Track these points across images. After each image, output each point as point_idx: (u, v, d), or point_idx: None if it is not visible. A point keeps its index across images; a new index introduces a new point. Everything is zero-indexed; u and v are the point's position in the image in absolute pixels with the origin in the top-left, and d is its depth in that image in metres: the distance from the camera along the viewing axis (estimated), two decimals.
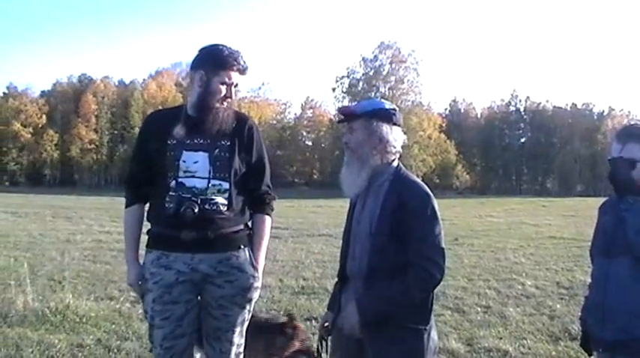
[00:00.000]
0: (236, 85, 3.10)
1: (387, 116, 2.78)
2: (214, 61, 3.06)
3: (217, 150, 3.07)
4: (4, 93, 79.21)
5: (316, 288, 8.13)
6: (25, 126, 75.38)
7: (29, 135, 75.59)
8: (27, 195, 41.46)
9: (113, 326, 6.02)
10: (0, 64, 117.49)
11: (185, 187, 3.02)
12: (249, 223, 3.25)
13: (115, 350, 5.25)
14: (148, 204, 3.23)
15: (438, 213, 2.69)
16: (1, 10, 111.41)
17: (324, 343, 2.98)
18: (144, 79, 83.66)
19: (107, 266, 9.81)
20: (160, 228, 3.10)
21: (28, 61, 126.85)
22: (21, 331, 5.63)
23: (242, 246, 3.14)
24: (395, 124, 2.79)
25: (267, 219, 3.30)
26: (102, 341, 5.50)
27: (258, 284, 3.19)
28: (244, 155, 3.16)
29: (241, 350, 3.25)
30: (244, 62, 3.12)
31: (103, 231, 15.70)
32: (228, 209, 3.08)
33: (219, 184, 3.06)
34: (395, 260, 2.63)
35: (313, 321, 6.38)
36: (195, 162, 3.04)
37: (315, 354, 2.99)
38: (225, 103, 3.07)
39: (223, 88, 3.05)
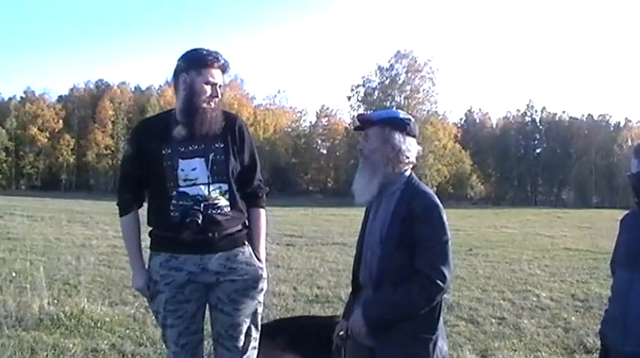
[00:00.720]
0: (220, 86, 3.14)
1: (402, 125, 2.80)
2: (195, 62, 3.10)
3: (213, 154, 3.12)
4: (21, 97, 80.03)
5: (330, 297, 8.11)
6: (41, 131, 76.04)
7: (46, 140, 76.23)
8: (43, 199, 41.74)
9: (127, 331, 6.03)
10: (18, 69, 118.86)
11: (189, 196, 3.08)
12: (246, 221, 3.31)
13: (130, 356, 5.26)
14: (146, 210, 3.28)
15: (446, 223, 2.69)
16: (20, 15, 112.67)
17: (340, 351, 2.98)
18: (160, 86, 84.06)
19: (122, 271, 9.82)
20: (163, 231, 3.17)
21: (45, 66, 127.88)
22: (36, 335, 5.65)
23: (245, 243, 3.25)
24: (409, 134, 2.80)
25: (263, 211, 3.39)
26: (116, 346, 5.51)
27: (265, 274, 3.30)
28: (238, 154, 3.21)
29: (256, 344, 3.32)
30: (225, 60, 3.16)
31: (118, 237, 15.65)
32: (231, 209, 3.16)
33: (220, 186, 3.13)
34: (402, 267, 2.64)
35: None
36: (194, 170, 3.09)
37: None
38: (212, 103, 3.11)
39: (208, 88, 3.09)
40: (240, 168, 3.23)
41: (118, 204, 3.31)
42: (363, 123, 2.89)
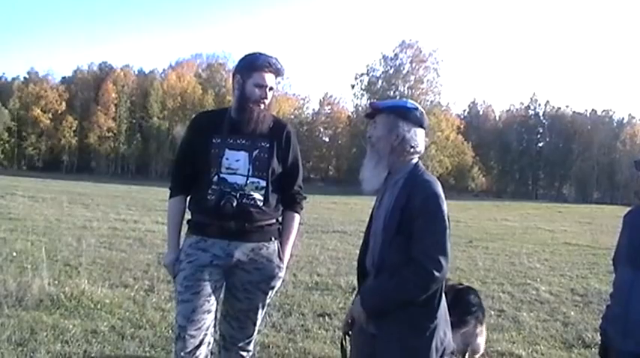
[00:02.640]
0: (271, 88, 3.35)
1: (408, 114, 2.80)
2: (248, 65, 3.33)
3: (257, 151, 3.33)
4: (25, 78, 79.84)
5: (330, 285, 8.11)
6: (44, 112, 76.00)
7: (48, 121, 76.21)
8: (44, 180, 41.76)
9: (127, 313, 6.05)
10: (22, 49, 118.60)
11: (227, 183, 3.28)
12: (280, 218, 3.52)
13: (129, 338, 5.27)
14: (189, 196, 3.48)
15: (445, 213, 2.67)
16: None
17: (347, 338, 3.00)
18: (164, 69, 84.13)
19: (123, 253, 9.85)
20: (200, 217, 3.35)
21: (49, 47, 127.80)
22: (36, 315, 5.67)
23: (272, 238, 3.43)
24: (416, 124, 2.79)
25: (297, 216, 3.62)
26: (116, 328, 5.53)
27: (282, 274, 3.49)
28: (282, 157, 3.42)
29: (257, 328, 3.54)
30: (279, 65, 3.37)
31: (118, 219, 15.79)
32: (264, 204, 3.34)
33: (257, 182, 3.32)
34: (401, 255, 2.63)
35: (326, 317, 6.39)
36: (237, 161, 3.31)
37: (340, 349, 3.01)
38: (261, 105, 3.32)
39: (257, 90, 3.29)
40: (282, 170, 3.43)
41: (170, 188, 3.52)
42: (373, 110, 2.89)
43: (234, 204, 3.23)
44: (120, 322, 5.72)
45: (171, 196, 3.51)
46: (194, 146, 3.40)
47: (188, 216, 3.48)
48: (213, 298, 3.31)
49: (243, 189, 3.27)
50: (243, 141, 3.32)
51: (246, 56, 3.38)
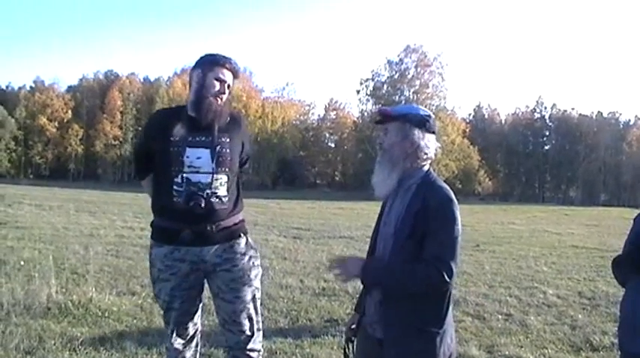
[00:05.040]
0: (229, 86, 3.44)
1: (422, 122, 2.79)
2: (209, 60, 3.42)
3: (219, 147, 3.37)
4: (31, 87, 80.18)
5: (337, 290, 8.10)
6: (50, 121, 76.29)
7: (55, 130, 76.49)
8: (51, 188, 41.83)
9: (135, 321, 6.07)
10: (27, 59, 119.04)
11: (191, 182, 3.31)
12: (242, 214, 3.59)
13: (137, 345, 5.26)
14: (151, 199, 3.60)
15: (458, 219, 2.68)
16: (30, 4, 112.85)
17: (350, 345, 2.99)
18: (169, 77, 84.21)
19: (130, 261, 9.87)
20: (165, 222, 3.43)
21: (55, 56, 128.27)
22: (44, 323, 5.69)
23: (241, 235, 3.52)
24: (428, 131, 2.80)
25: None
26: (123, 335, 5.53)
27: (258, 262, 3.60)
28: (240, 149, 3.54)
29: (260, 325, 3.60)
30: (237, 66, 3.47)
31: (125, 227, 15.80)
32: (228, 200, 3.42)
33: (221, 178, 3.38)
34: (411, 260, 2.63)
35: (334, 323, 6.39)
36: (199, 158, 3.33)
37: (343, 355, 3.00)
38: (219, 99, 3.38)
39: (217, 84, 3.37)
40: (240, 160, 3.55)
41: (135, 177, 3.76)
42: (384, 117, 2.89)
43: (202, 204, 3.29)
44: (127, 329, 5.74)
45: (142, 178, 3.64)
46: (152, 145, 3.44)
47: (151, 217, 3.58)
48: (197, 300, 3.58)
49: (209, 188, 3.33)
50: (203, 138, 3.35)
51: (206, 54, 3.46)
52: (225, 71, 3.39)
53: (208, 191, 3.31)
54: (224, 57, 3.43)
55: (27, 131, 76.29)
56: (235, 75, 3.47)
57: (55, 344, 5.11)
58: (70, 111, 77.39)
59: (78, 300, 6.30)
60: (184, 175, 3.30)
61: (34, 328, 5.50)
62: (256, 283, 3.54)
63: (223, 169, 3.37)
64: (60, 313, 6.03)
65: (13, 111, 74.78)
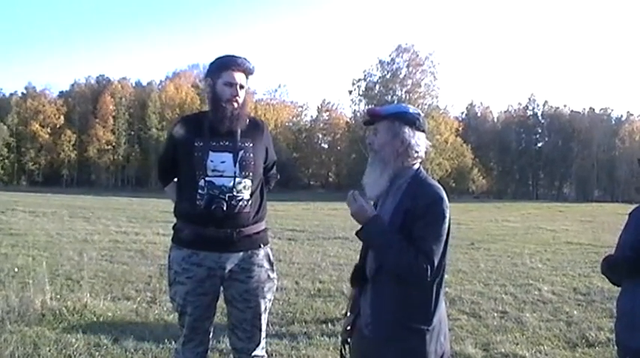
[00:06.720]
0: (242, 86, 3.41)
1: (411, 120, 2.79)
2: (216, 66, 3.42)
3: (242, 152, 3.39)
4: (22, 93, 79.95)
5: (332, 291, 8.11)
6: (43, 127, 76.12)
7: (47, 136, 76.30)
8: (44, 194, 41.73)
9: (130, 326, 6.04)
10: (19, 65, 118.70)
11: (215, 186, 3.33)
12: (265, 223, 3.62)
13: (132, 350, 5.25)
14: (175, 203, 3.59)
15: (447, 218, 2.67)
16: (20, 10, 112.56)
17: (347, 346, 2.98)
18: (161, 81, 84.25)
19: (124, 266, 9.84)
20: (188, 226, 3.43)
21: (46, 62, 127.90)
22: (39, 330, 5.66)
23: (262, 245, 3.53)
24: (418, 129, 2.79)
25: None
26: (119, 340, 5.51)
27: (274, 276, 3.60)
28: (264, 154, 3.55)
29: (264, 334, 3.65)
30: (247, 63, 3.44)
31: (120, 232, 15.76)
32: (251, 205, 3.42)
33: (244, 182, 3.38)
34: None
35: (329, 324, 6.38)
36: (223, 162, 3.35)
37: (339, 357, 3.00)
38: (234, 104, 3.37)
39: (227, 89, 3.36)
40: (264, 167, 3.57)
41: (160, 180, 3.77)
42: (373, 117, 2.88)
43: (225, 207, 3.30)
44: (123, 335, 5.70)
45: (165, 185, 3.70)
46: (177, 150, 3.48)
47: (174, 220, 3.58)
48: (211, 307, 3.52)
49: (231, 191, 3.33)
50: (227, 143, 3.37)
51: (214, 59, 3.46)
52: (234, 73, 3.37)
53: (230, 194, 3.33)
54: (232, 58, 3.41)
55: (19, 137, 76.13)
56: (247, 73, 3.45)
57: (50, 351, 5.09)
58: (62, 117, 77.23)
59: (73, 306, 6.28)
60: (208, 179, 3.33)
61: (29, 335, 5.47)
62: (269, 296, 3.57)
63: (247, 174, 3.38)
64: (55, 319, 6.00)
65: (5, 118, 74.62)
